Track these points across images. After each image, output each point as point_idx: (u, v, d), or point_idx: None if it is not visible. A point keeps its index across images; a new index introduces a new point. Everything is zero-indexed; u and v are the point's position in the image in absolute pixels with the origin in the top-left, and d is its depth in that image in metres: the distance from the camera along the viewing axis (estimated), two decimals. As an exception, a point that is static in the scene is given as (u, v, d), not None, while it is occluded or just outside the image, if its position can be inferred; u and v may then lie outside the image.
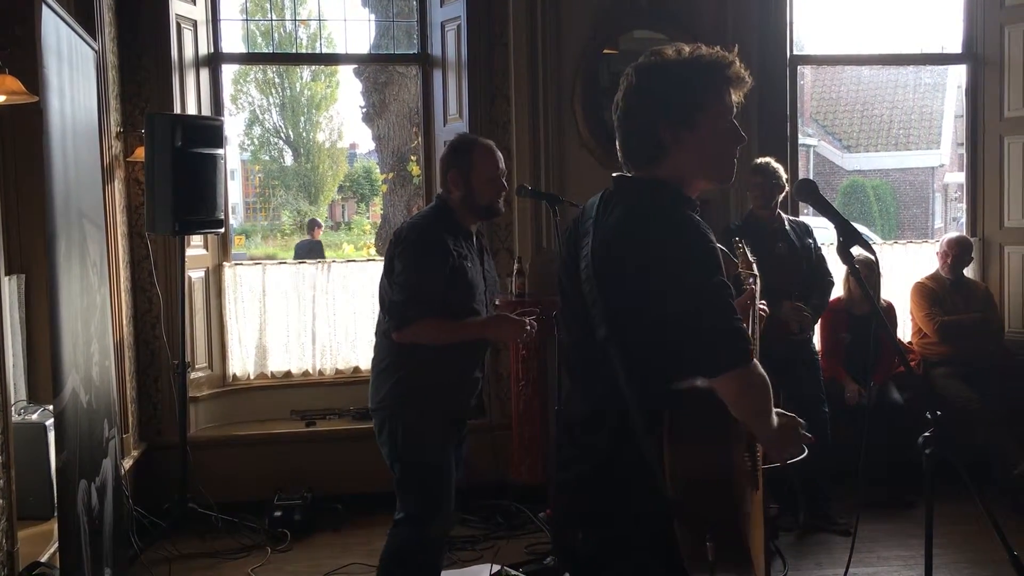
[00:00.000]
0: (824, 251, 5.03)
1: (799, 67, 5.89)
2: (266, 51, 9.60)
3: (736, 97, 1.96)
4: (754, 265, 2.88)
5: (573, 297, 2.00)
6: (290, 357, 5.51)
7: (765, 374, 1.86)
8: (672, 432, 1.85)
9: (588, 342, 1.95)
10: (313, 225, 13.54)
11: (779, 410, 2.04)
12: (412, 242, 3.14)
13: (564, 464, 2.07)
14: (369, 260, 6.01)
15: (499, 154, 3.30)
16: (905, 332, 5.78)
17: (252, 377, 5.46)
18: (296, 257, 12.15)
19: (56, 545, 3.34)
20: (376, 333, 3.34)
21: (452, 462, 3.27)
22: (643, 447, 1.85)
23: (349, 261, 5.93)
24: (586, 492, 1.99)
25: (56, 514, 3.33)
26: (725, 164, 1.97)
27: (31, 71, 3.38)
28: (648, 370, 1.87)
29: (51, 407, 3.43)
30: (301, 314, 5.50)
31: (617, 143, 2.01)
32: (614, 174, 2.05)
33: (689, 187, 1.97)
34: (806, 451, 2.11)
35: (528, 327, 3.21)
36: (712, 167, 1.96)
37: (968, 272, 5.70)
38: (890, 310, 5.45)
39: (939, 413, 2.28)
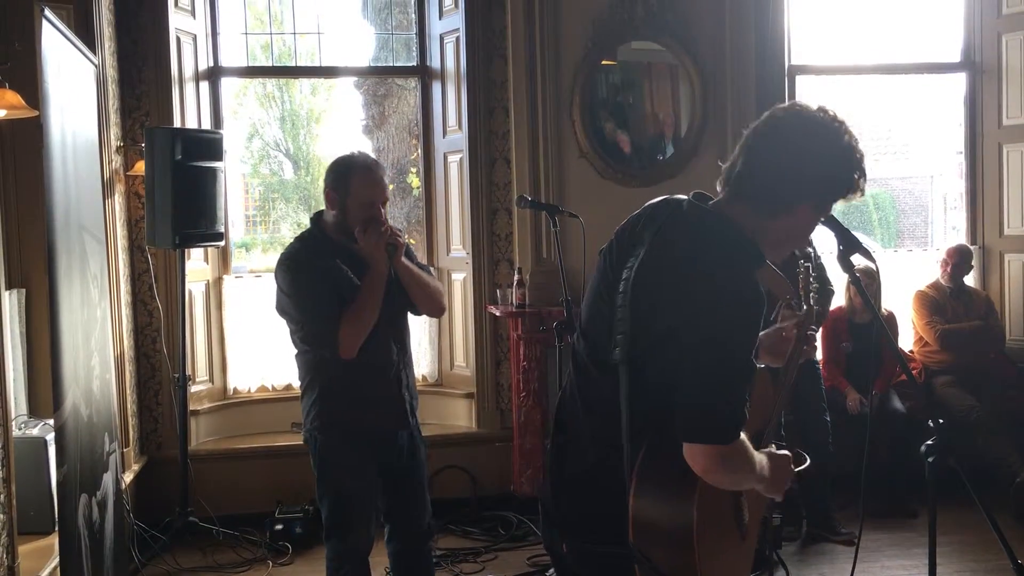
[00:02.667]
0: (824, 260, 5.02)
1: (797, 77, 5.90)
2: (265, 65, 9.59)
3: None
4: (812, 295, 2.72)
5: (602, 306, 1.95)
6: (291, 370, 5.48)
7: (747, 450, 1.81)
8: (641, 472, 1.81)
9: (602, 355, 1.93)
10: None
11: (767, 451, 2.00)
12: (283, 272, 3.14)
13: (557, 462, 2.05)
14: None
15: (377, 181, 3.19)
16: (906, 340, 5.77)
17: (253, 390, 5.45)
18: None
19: (57, 560, 3.33)
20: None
21: (368, 484, 3.20)
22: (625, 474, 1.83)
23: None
24: (576, 495, 1.98)
25: (57, 528, 3.32)
26: (784, 253, 1.95)
27: (31, 85, 3.40)
28: (646, 403, 1.84)
29: (51, 421, 3.42)
30: (301, 326, 5.49)
31: (741, 166, 1.91)
32: (696, 191, 1.99)
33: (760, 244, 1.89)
34: (807, 460, 2.08)
35: (388, 236, 3.10)
36: (782, 249, 1.94)
37: (968, 280, 5.69)
38: (891, 319, 5.44)
39: (941, 421, 2.27)
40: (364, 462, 3.18)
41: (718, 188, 1.97)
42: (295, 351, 3.26)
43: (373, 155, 3.56)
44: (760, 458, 1.91)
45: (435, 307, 3.35)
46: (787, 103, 1.95)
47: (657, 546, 1.79)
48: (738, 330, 1.75)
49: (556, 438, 2.08)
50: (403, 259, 3.15)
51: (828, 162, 1.85)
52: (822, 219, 1.95)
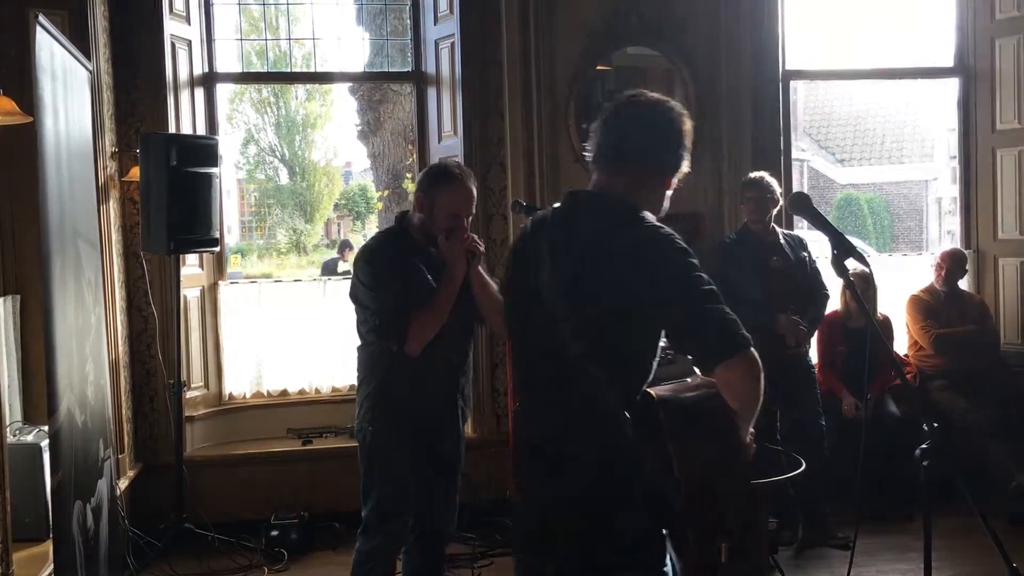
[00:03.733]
0: (819, 264, 5.04)
1: (792, 82, 5.91)
2: (261, 70, 9.59)
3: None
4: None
5: (531, 315, 2.03)
6: (286, 375, 5.50)
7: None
8: (673, 431, 1.85)
9: (555, 358, 1.97)
10: (344, 246, 13.57)
11: None
12: (364, 264, 3.25)
13: (533, 485, 2.04)
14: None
15: (467, 194, 3.27)
16: (901, 345, 5.78)
17: (248, 396, 5.44)
18: (323, 274, 12.21)
19: (51, 567, 3.32)
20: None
21: (417, 477, 3.28)
22: (641, 455, 1.85)
23: (345, 278, 5.92)
24: (568, 513, 1.96)
25: (51, 535, 3.31)
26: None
27: (26, 91, 3.39)
28: (631, 377, 1.91)
29: (46, 428, 3.42)
30: (297, 332, 5.49)
31: (600, 144, 2.11)
32: (570, 189, 2.14)
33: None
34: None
35: (470, 243, 3.23)
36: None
37: (963, 284, 5.71)
38: (886, 323, 5.46)
39: (936, 426, 2.28)
40: (414, 456, 3.26)
41: (593, 171, 2.14)
42: (358, 343, 3.36)
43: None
44: None
45: (501, 320, 3.41)
46: (632, 91, 2.16)
47: (713, 492, 1.84)
48: (690, 262, 1.92)
49: (533, 463, 2.06)
50: (479, 268, 3.27)
51: (680, 135, 2.10)
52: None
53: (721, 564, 1.80)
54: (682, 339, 1.90)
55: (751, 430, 2.03)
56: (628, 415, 1.88)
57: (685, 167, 2.15)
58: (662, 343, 2.03)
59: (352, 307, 3.33)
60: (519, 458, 2.10)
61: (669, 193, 2.17)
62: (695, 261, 1.91)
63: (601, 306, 1.90)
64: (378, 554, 3.27)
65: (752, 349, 1.85)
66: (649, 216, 2.01)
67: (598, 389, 1.89)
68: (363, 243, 3.44)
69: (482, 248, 3.29)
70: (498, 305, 3.24)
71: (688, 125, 2.11)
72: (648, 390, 1.91)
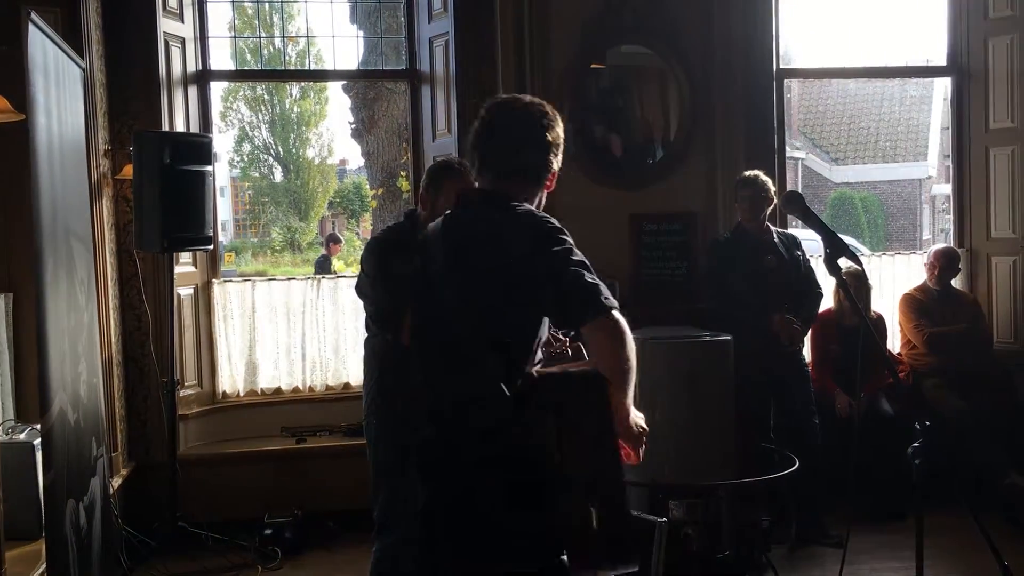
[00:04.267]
0: (813, 263, 5.04)
1: (786, 80, 5.92)
2: (255, 68, 9.60)
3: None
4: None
5: (433, 310, 2.13)
6: (280, 374, 5.49)
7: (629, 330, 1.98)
8: (557, 414, 1.91)
9: (448, 347, 2.08)
10: (330, 240, 13.45)
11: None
12: (368, 254, 3.41)
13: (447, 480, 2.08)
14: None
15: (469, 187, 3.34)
16: (895, 343, 5.79)
17: (242, 394, 5.43)
18: (316, 272, 12.19)
19: (44, 565, 3.32)
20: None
21: (407, 482, 3.28)
22: (529, 430, 1.91)
23: (339, 277, 5.91)
24: (479, 518, 2.01)
25: (44, 534, 3.31)
26: None
27: (18, 89, 3.37)
28: (514, 359, 1.98)
29: (39, 426, 3.41)
30: (291, 330, 5.48)
31: (497, 156, 2.25)
32: (464, 191, 2.29)
33: None
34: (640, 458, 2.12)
35: None
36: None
37: (956, 283, 5.72)
38: (880, 322, 5.46)
39: (928, 424, 2.28)
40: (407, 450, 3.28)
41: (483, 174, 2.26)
42: (365, 335, 3.48)
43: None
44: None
45: None
46: (506, 95, 2.35)
47: (586, 460, 1.91)
48: (560, 237, 2.03)
49: (435, 472, 2.11)
50: None
51: (547, 135, 2.25)
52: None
53: (593, 529, 1.86)
54: (549, 305, 1.98)
55: (637, 414, 2.07)
56: (508, 394, 1.94)
57: (555, 166, 2.30)
58: (546, 329, 2.12)
59: (360, 303, 3.46)
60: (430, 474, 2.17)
61: (546, 190, 2.31)
62: (566, 238, 2.04)
63: (483, 290, 2.01)
64: (393, 552, 3.28)
65: (616, 312, 1.92)
66: (525, 205, 2.13)
67: (485, 372, 1.97)
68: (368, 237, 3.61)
69: None
70: None
71: (558, 127, 2.26)
72: (532, 370, 1.99)
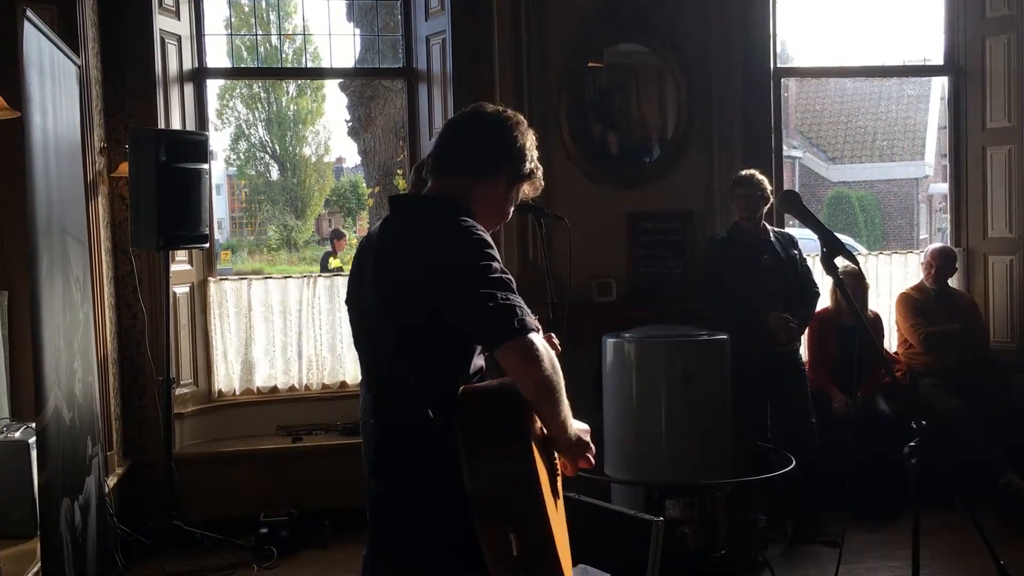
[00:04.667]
0: (809, 262, 5.04)
1: (783, 79, 5.91)
2: (252, 66, 9.58)
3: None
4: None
5: (363, 327, 2.09)
6: (276, 372, 5.48)
7: (551, 353, 1.91)
8: (469, 432, 1.84)
9: (378, 361, 2.03)
10: (334, 236, 13.35)
11: (579, 423, 2.06)
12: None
13: (370, 484, 2.08)
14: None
15: None
16: (891, 342, 5.79)
17: (238, 393, 5.42)
18: (322, 269, 12.16)
19: (39, 564, 3.31)
20: None
21: None
22: (445, 451, 1.86)
23: (335, 275, 5.90)
24: (394, 518, 1.99)
25: (39, 532, 3.30)
26: (489, 221, 2.16)
27: (13, 86, 3.37)
28: (440, 371, 1.93)
29: (33, 425, 3.40)
30: (287, 329, 5.48)
31: (431, 153, 2.18)
32: (391, 196, 2.21)
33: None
34: (592, 463, 2.09)
35: None
36: (488, 215, 2.15)
37: (953, 282, 5.72)
38: (877, 321, 5.47)
39: (924, 423, 2.28)
40: None
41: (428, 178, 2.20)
42: None
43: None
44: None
45: None
46: (475, 104, 2.25)
47: (501, 494, 1.82)
48: (481, 252, 1.92)
49: (370, 462, 2.09)
50: None
51: (512, 140, 2.14)
52: (531, 203, 2.35)
53: (514, 556, 1.79)
54: (464, 327, 1.91)
55: (579, 427, 2.03)
56: (432, 414, 1.90)
57: (523, 174, 2.17)
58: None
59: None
60: (366, 455, 2.13)
61: (510, 200, 2.20)
62: (491, 252, 1.93)
63: (409, 305, 1.94)
64: None
65: (530, 336, 1.84)
66: (462, 216, 2.01)
67: (412, 389, 1.93)
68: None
69: None
70: None
71: (523, 138, 2.16)
72: (463, 387, 1.92)
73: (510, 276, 1.93)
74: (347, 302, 2.18)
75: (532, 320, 1.87)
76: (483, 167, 2.12)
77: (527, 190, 2.24)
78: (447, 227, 1.97)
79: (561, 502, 2.11)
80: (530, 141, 2.18)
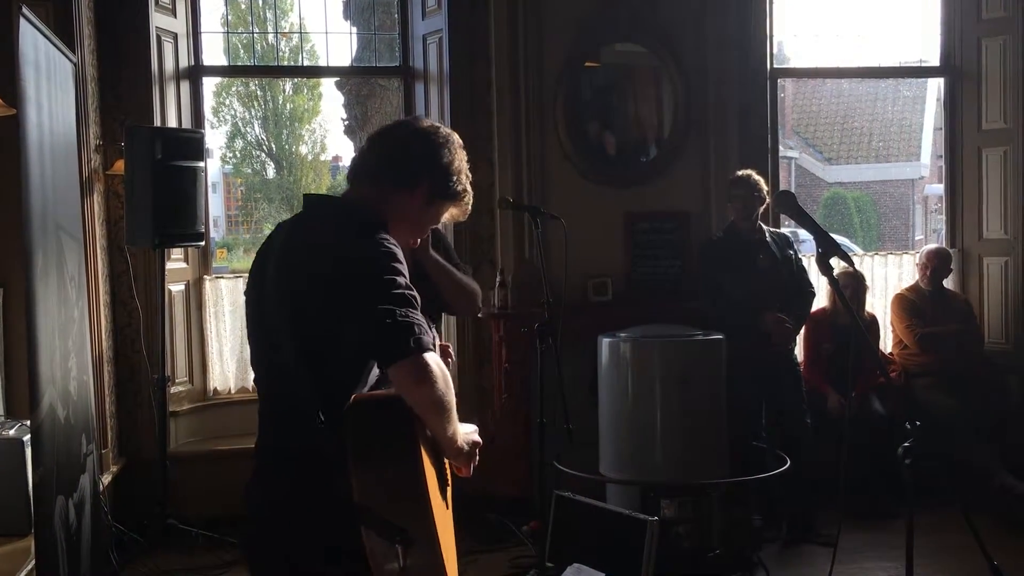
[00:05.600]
0: (805, 262, 5.05)
1: (779, 80, 5.92)
2: (248, 64, 9.56)
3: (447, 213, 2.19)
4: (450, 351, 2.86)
5: (260, 323, 2.03)
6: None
7: (444, 371, 1.87)
8: (357, 441, 1.82)
9: (274, 364, 1.98)
10: None
11: (467, 425, 2.05)
12: None
13: (252, 486, 2.05)
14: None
15: None
16: (886, 343, 5.80)
17: (233, 391, 5.42)
18: None
19: (33, 562, 3.30)
20: None
21: None
22: (333, 458, 1.83)
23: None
24: (274, 526, 1.95)
25: (33, 530, 3.29)
26: (406, 233, 2.13)
27: (9, 83, 3.36)
28: (334, 378, 1.89)
29: (28, 422, 3.39)
30: (283, 327, 5.46)
31: (361, 158, 2.13)
32: (306, 193, 2.15)
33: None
34: (472, 469, 2.09)
35: None
36: (404, 227, 2.10)
37: (948, 283, 5.73)
38: (873, 322, 5.48)
39: (919, 423, 2.28)
40: None
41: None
42: None
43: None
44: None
45: (469, 307, 3.30)
46: (410, 116, 2.26)
47: (392, 519, 1.80)
48: (386, 265, 1.87)
49: (256, 464, 2.08)
50: (432, 253, 3.07)
51: (435, 155, 2.09)
52: (448, 218, 2.23)
53: (399, 567, 1.78)
54: (359, 340, 1.85)
55: (467, 430, 2.03)
56: (323, 420, 1.87)
57: (447, 192, 2.12)
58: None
59: None
60: (257, 465, 2.09)
61: (429, 217, 2.15)
62: (397, 266, 1.88)
63: (308, 311, 1.90)
64: None
65: (424, 355, 1.80)
66: (374, 226, 1.95)
67: (305, 395, 1.88)
68: None
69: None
70: (463, 289, 3.19)
71: (451, 156, 2.11)
72: (354, 396, 1.89)
73: (414, 293, 1.88)
74: (245, 293, 2.11)
75: (428, 338, 1.83)
76: (400, 177, 2.06)
77: (454, 213, 2.19)
78: (355, 235, 1.91)
79: (450, 511, 2.10)
80: (459, 161, 2.12)
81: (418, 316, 1.84)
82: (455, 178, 2.11)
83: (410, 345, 1.79)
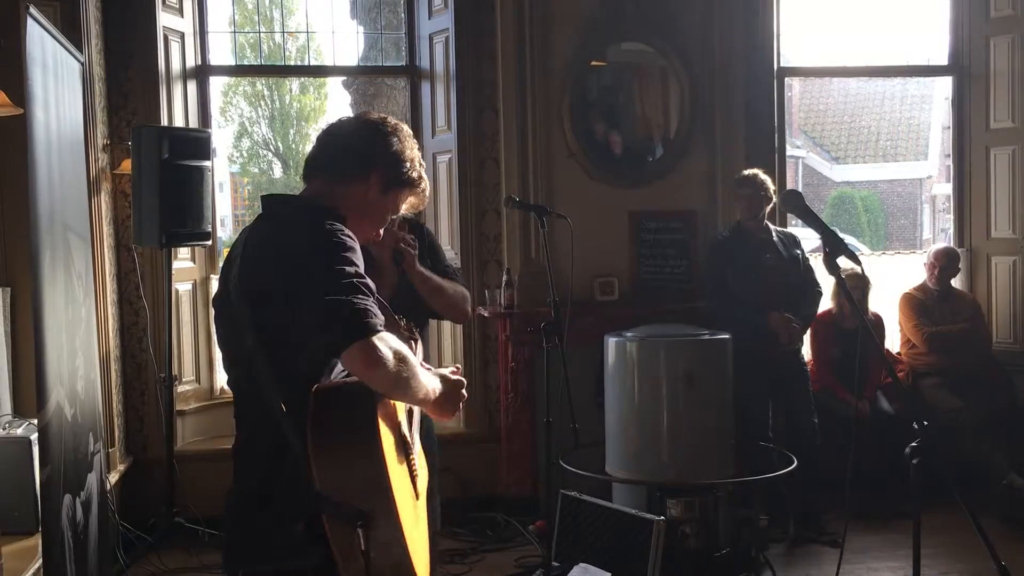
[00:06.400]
0: (812, 262, 5.04)
1: (786, 79, 5.91)
2: (255, 63, 9.57)
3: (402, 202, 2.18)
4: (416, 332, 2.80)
5: (226, 325, 2.05)
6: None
7: (398, 346, 1.86)
8: (317, 430, 1.82)
9: (239, 359, 1.99)
10: None
11: (441, 372, 2.07)
12: None
13: (229, 497, 2.09)
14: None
15: None
16: (894, 343, 5.79)
17: (240, 390, 5.42)
18: None
19: (40, 561, 3.31)
20: None
21: None
22: (296, 449, 1.85)
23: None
24: (245, 520, 1.99)
25: (40, 529, 3.30)
26: (366, 227, 2.13)
27: (16, 83, 3.37)
28: (296, 372, 1.90)
29: (35, 421, 3.40)
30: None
31: (314, 153, 2.14)
32: (263, 194, 2.13)
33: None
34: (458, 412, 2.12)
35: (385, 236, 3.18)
36: (363, 220, 2.11)
37: (956, 283, 5.71)
38: (878, 321, 5.46)
39: (926, 423, 2.28)
40: None
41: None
42: None
43: None
44: (423, 367, 1.99)
45: (456, 314, 3.37)
46: (359, 111, 2.19)
47: (350, 487, 1.81)
48: (335, 255, 1.87)
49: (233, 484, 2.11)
50: (419, 268, 3.13)
51: (386, 144, 2.09)
52: (409, 210, 2.25)
53: (362, 551, 1.79)
54: (311, 331, 1.84)
55: (434, 378, 2.02)
56: (285, 410, 1.88)
57: (400, 180, 2.11)
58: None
59: None
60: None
61: (387, 207, 2.14)
62: (348, 255, 1.88)
63: (268, 307, 1.90)
64: None
65: (372, 338, 1.79)
66: (328, 220, 1.95)
67: (269, 390, 1.89)
68: None
69: (412, 249, 3.10)
70: (452, 303, 3.24)
71: (400, 144, 2.10)
72: (316, 385, 1.89)
73: (365, 280, 1.87)
74: (213, 301, 2.13)
75: (376, 320, 1.82)
76: (350, 169, 2.07)
77: (412, 201, 2.20)
78: (308, 230, 1.92)
79: (422, 502, 2.11)
80: (409, 149, 2.12)
81: (365, 301, 1.83)
82: (407, 165, 2.11)
83: (355, 329, 1.79)
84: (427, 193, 2.24)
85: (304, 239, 1.91)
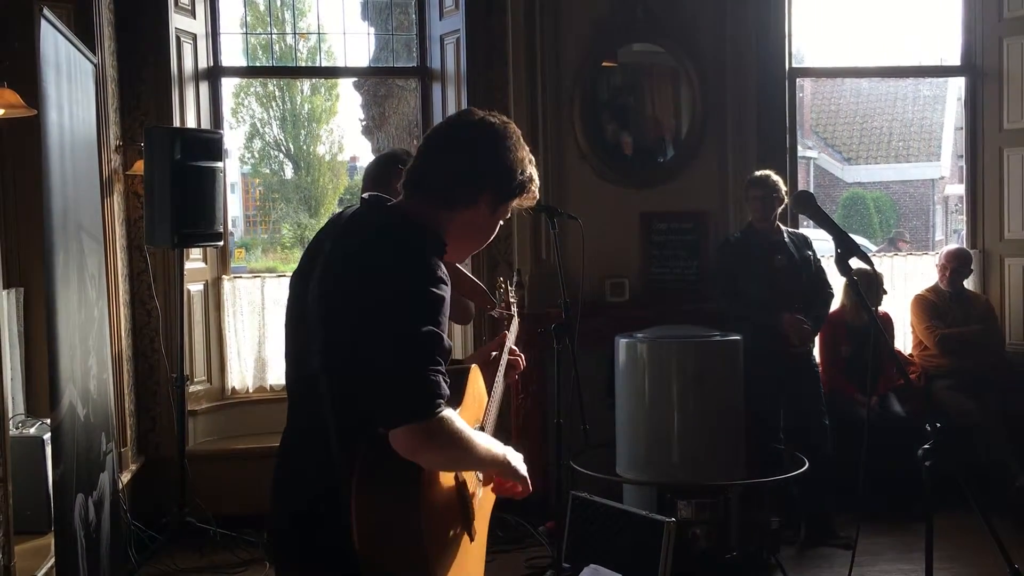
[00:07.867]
0: (824, 263, 5.02)
1: (798, 79, 5.89)
2: (266, 64, 9.60)
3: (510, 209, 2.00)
4: (514, 306, 2.70)
5: (299, 325, 1.93)
6: (289, 370, 5.48)
7: (459, 429, 1.70)
8: (362, 478, 1.70)
9: (302, 375, 1.90)
10: None
11: (504, 451, 1.97)
12: None
13: (274, 497, 1.98)
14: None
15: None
16: (906, 344, 5.76)
17: (251, 390, 5.44)
18: None
19: (53, 559, 3.33)
20: None
21: None
22: (342, 492, 1.72)
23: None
24: (304, 530, 1.87)
25: (53, 528, 3.32)
26: (466, 249, 2.01)
27: (30, 84, 3.39)
28: (353, 409, 1.76)
29: (48, 421, 3.42)
30: (300, 327, 5.48)
31: (418, 165, 1.92)
32: (365, 194, 1.98)
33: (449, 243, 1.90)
34: (529, 489, 2.05)
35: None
36: (465, 244, 1.97)
37: (968, 284, 5.68)
38: (887, 321, 5.44)
39: (939, 425, 2.27)
40: None
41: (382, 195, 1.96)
42: None
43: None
44: (487, 437, 1.90)
45: (461, 317, 3.41)
46: (462, 109, 2.00)
47: (387, 553, 1.71)
48: (417, 307, 1.70)
49: (276, 473, 2.01)
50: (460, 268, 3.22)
51: (495, 159, 1.89)
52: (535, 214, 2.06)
53: None
54: (365, 385, 1.69)
55: (494, 459, 1.92)
56: (340, 448, 1.76)
57: (511, 191, 1.93)
58: None
59: None
60: (276, 469, 2.03)
61: (497, 221, 1.97)
62: (434, 312, 1.69)
63: (339, 324, 1.77)
64: None
65: (431, 421, 1.63)
66: (432, 256, 1.78)
67: (324, 416, 1.79)
68: None
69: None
70: (476, 287, 3.37)
71: (513, 152, 1.90)
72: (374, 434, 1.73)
73: (443, 342, 1.70)
74: (291, 282, 1.99)
75: (441, 396, 1.66)
76: (456, 196, 1.87)
77: (523, 203, 2.01)
78: (402, 263, 1.74)
79: (479, 540, 2.06)
80: (516, 151, 1.91)
81: (436, 372, 1.67)
82: (518, 171, 1.91)
83: (415, 411, 1.64)
84: (537, 188, 2.01)
85: (394, 275, 1.72)
